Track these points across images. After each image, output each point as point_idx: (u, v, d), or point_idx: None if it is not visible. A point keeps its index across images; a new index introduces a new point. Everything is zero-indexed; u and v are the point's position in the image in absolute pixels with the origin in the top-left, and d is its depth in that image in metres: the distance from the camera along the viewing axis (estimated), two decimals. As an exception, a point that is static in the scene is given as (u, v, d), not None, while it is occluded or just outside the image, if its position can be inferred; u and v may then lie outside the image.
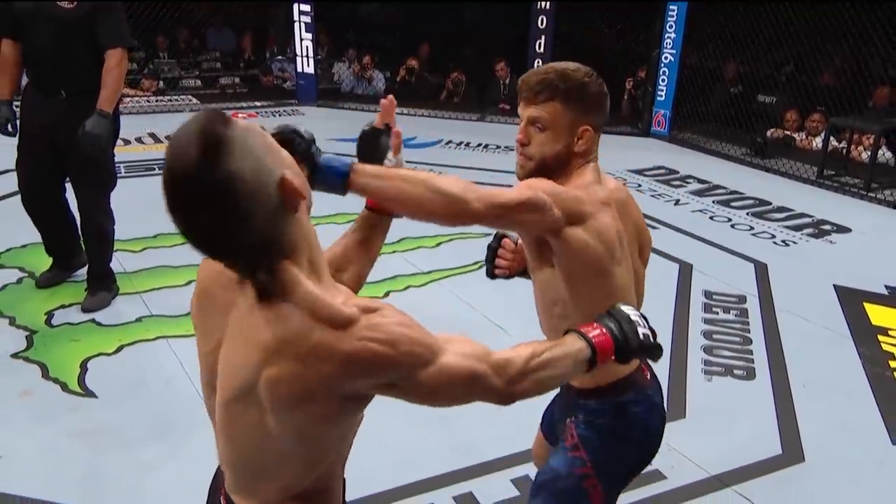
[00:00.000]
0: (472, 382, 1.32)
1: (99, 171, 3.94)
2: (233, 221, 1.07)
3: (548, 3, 8.10)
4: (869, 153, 6.55)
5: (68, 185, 4.03)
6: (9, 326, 3.73)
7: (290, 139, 1.48)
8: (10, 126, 3.85)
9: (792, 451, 2.97)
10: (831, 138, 6.89)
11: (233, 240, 1.09)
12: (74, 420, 3.05)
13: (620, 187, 2.05)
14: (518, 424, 2.37)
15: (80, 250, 4.25)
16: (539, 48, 8.28)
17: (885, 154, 6.63)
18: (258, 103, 9.19)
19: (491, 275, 2.19)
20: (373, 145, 1.70)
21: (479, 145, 7.60)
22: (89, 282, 4.13)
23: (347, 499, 1.59)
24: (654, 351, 1.58)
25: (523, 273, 2.11)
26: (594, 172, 1.89)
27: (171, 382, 3.32)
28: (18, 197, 4.19)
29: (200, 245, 1.11)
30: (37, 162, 3.94)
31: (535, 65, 8.28)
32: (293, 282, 1.16)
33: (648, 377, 1.92)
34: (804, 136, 7.41)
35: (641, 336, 1.50)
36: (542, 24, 8.20)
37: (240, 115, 8.42)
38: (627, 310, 1.53)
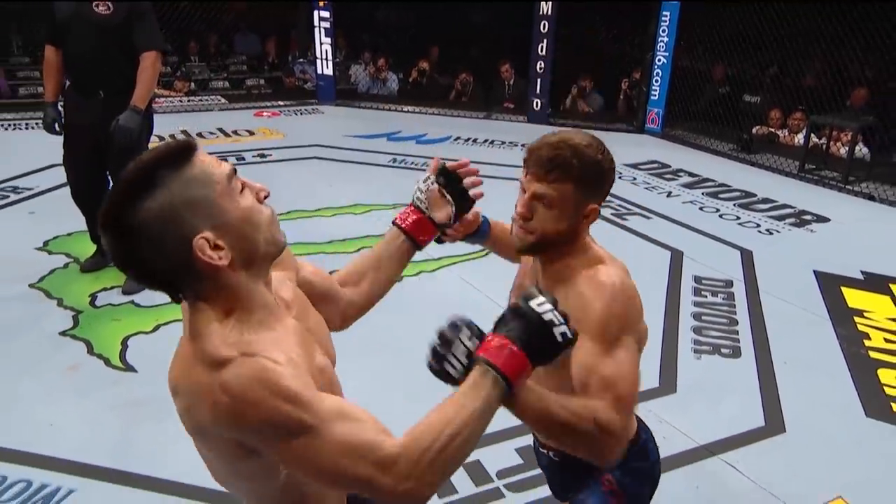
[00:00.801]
0: (356, 482, 1.07)
1: None
2: (134, 259, 1.04)
3: (549, 8, 8.06)
4: (847, 149, 6.53)
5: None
6: (57, 307, 3.76)
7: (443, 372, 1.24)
8: (56, 126, 3.86)
9: (774, 423, 2.97)
10: (812, 135, 6.85)
11: (137, 272, 1.06)
12: (116, 392, 3.08)
13: None
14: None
15: None
16: (541, 51, 8.23)
17: (861, 150, 6.60)
18: (281, 102, 9.17)
19: (440, 241, 1.88)
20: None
21: (486, 141, 7.58)
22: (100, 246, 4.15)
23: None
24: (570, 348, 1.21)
25: (467, 238, 1.92)
26: (593, 242, 1.64)
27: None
28: (64, 189, 4.23)
29: (116, 265, 1.08)
30: (81, 158, 3.97)
31: (538, 67, 8.29)
32: (198, 320, 1.08)
33: None
34: (787, 133, 7.39)
35: (559, 337, 1.14)
36: (544, 29, 8.15)
37: (265, 114, 8.49)
38: (540, 307, 1.14)
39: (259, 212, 1.13)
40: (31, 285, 3.96)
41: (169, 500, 2.47)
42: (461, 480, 2.59)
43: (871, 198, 6.06)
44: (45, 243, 4.54)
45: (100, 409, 2.94)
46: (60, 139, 3.85)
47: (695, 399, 3.11)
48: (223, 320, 1.08)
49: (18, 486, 2.51)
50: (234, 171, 1.09)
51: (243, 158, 6.67)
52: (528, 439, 2.71)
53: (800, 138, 7.10)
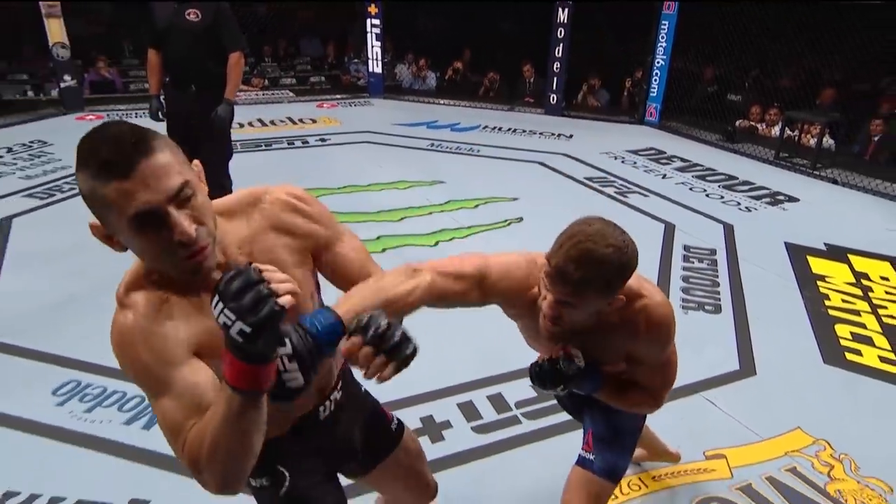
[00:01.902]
0: (175, 448, 1.01)
1: (223, 146, 4.03)
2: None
3: (565, 16, 7.90)
4: (815, 140, 6.35)
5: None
6: None
7: None
8: (159, 114, 3.93)
9: (747, 367, 2.98)
10: (786, 128, 6.68)
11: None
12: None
13: None
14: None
15: None
16: (557, 53, 8.07)
17: (828, 141, 6.42)
18: (338, 96, 9.11)
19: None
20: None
21: (509, 129, 7.49)
22: None
23: (394, 398, 1.44)
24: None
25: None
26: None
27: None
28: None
29: None
30: (177, 139, 3.99)
31: (554, 68, 8.14)
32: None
33: None
34: (765, 126, 7.19)
35: (238, 337, 0.83)
36: (560, 34, 7.99)
37: (325, 106, 8.47)
38: (215, 309, 0.84)
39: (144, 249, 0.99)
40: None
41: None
42: (485, 408, 2.62)
43: (834, 181, 5.90)
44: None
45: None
46: (163, 125, 3.93)
47: (681, 347, 3.10)
48: (141, 270, 1.05)
49: (135, 399, 2.60)
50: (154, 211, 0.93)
51: (307, 142, 6.70)
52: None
53: (776, 131, 6.90)
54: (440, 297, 1.29)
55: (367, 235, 4.16)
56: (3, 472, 2.21)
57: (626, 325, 1.44)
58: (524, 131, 7.44)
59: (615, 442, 1.73)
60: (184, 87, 3.83)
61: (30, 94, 8.17)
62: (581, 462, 1.72)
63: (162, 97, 3.97)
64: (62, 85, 7.38)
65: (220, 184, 4.15)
